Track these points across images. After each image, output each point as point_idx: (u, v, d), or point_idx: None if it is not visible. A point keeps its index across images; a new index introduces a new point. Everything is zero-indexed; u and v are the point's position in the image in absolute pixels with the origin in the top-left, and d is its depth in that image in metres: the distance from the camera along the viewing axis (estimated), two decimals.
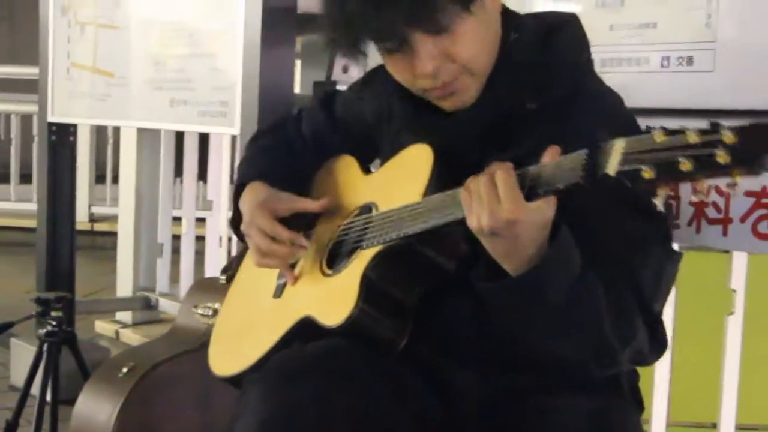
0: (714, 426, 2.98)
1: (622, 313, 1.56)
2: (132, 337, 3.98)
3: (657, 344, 1.65)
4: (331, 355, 1.65)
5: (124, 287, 4.18)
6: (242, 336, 1.96)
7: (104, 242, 6.97)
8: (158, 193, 4.09)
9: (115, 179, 7.50)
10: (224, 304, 2.11)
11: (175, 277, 4.26)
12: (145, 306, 4.11)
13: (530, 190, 1.44)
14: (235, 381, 1.86)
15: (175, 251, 4.26)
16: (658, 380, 2.74)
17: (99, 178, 7.70)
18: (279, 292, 1.91)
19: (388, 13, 1.57)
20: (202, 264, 4.18)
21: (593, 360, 1.60)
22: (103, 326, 4.18)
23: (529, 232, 1.46)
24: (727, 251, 2.84)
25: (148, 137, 4.07)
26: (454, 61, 1.64)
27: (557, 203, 1.46)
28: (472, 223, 1.48)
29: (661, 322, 1.65)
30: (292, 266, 1.90)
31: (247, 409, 1.61)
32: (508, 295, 1.52)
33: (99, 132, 7.59)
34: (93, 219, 7.29)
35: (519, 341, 1.60)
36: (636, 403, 1.80)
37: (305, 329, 1.75)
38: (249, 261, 2.07)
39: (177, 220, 4.28)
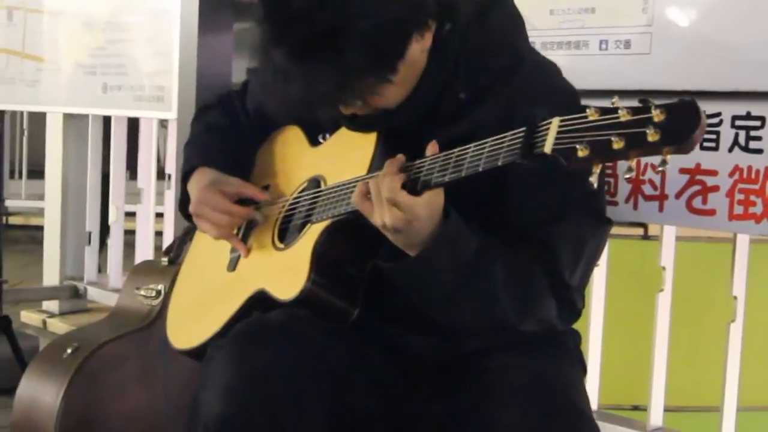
0: (635, 408, 3.09)
1: (524, 290, 1.66)
2: (60, 326, 3.94)
3: (568, 313, 1.75)
4: (292, 321, 1.71)
5: (51, 276, 4.15)
6: (199, 310, 2.00)
7: (18, 236, 6.90)
8: (86, 181, 4.07)
9: (30, 174, 7.44)
10: (178, 281, 2.15)
11: (102, 267, 4.24)
12: (72, 295, 4.08)
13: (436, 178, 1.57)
14: (195, 353, 1.92)
15: (102, 244, 4.24)
16: (590, 365, 2.81)
17: (10, 173, 7.58)
18: (233, 265, 1.97)
19: (314, 98, 1.66)
20: (130, 257, 4.16)
21: (492, 329, 1.72)
22: (29, 316, 4.13)
23: (423, 223, 1.57)
24: (650, 238, 2.97)
25: (75, 125, 4.06)
26: (373, 108, 1.72)
27: (477, 183, 1.56)
28: (377, 222, 1.60)
29: (577, 291, 1.74)
30: (244, 239, 1.96)
31: (212, 375, 1.67)
32: (405, 273, 1.63)
33: (11, 124, 7.47)
34: (7, 213, 7.17)
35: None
36: (579, 364, 1.90)
37: (260, 302, 1.81)
38: (199, 239, 2.12)
39: None
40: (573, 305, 1.75)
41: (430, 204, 1.58)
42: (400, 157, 1.63)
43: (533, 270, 1.67)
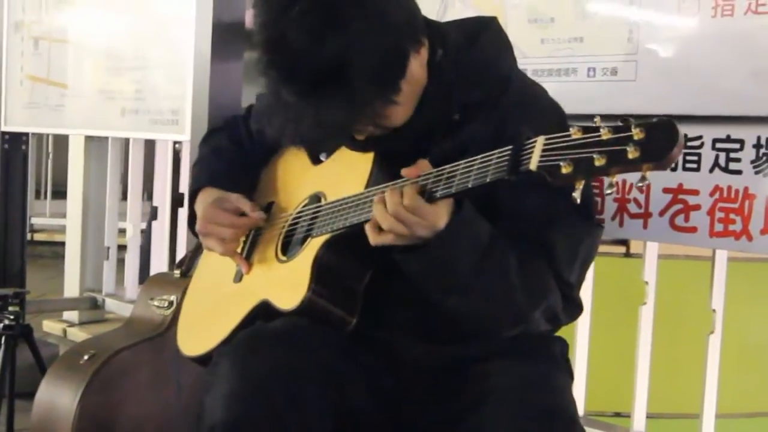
0: (617, 415, 3.06)
1: (534, 277, 1.62)
2: (79, 335, 3.91)
3: (571, 307, 1.71)
4: (292, 329, 1.69)
5: (72, 288, 4.12)
6: (207, 319, 1.98)
7: (43, 251, 6.91)
8: (105, 199, 4.05)
9: (54, 194, 7.46)
10: (188, 292, 2.14)
11: (119, 280, 4.22)
12: (91, 306, 4.06)
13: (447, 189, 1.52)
14: (202, 360, 1.89)
15: (120, 261, 4.22)
16: (576, 373, 2.77)
17: (36, 193, 7.60)
18: (239, 277, 1.94)
19: (328, 129, 1.62)
20: (145, 270, 4.13)
21: (506, 318, 1.65)
22: (50, 325, 4.11)
23: (423, 230, 1.54)
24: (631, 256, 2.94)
25: (96, 146, 4.04)
26: (384, 129, 1.69)
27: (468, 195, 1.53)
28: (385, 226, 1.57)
29: (575, 288, 1.71)
30: (249, 253, 1.93)
31: (217, 381, 1.64)
32: (420, 263, 1.58)
33: (37, 148, 7.49)
34: (33, 230, 7.19)
35: (440, 307, 1.64)
36: (567, 370, 1.86)
37: (263, 311, 1.79)
38: (209, 252, 2.09)
39: (122, 232, 4.23)
40: (573, 300, 1.72)
41: (435, 214, 1.54)
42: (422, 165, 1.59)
43: (540, 262, 1.63)
